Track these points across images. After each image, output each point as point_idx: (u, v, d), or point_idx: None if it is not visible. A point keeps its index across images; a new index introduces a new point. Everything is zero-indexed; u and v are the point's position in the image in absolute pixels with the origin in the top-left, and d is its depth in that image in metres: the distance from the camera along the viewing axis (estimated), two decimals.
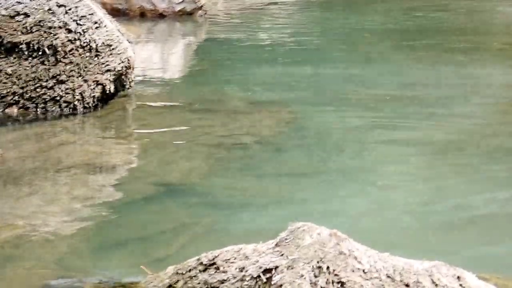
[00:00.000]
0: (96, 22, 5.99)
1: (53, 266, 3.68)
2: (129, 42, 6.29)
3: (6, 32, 5.89)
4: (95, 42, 5.95)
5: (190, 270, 2.99)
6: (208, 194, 4.64)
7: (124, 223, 4.23)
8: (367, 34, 8.71)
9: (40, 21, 5.89)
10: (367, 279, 2.74)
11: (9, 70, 5.87)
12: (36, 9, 5.92)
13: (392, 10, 10.55)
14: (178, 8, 9.97)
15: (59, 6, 5.93)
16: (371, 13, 10.42)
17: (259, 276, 2.81)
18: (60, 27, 5.90)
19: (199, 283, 2.94)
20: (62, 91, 5.89)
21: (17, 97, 5.87)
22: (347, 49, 8.45)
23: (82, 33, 5.93)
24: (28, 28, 5.88)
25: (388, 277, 2.75)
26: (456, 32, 9.42)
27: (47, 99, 5.89)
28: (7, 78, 5.87)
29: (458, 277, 2.78)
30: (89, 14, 5.97)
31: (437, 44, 8.73)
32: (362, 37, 9.09)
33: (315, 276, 2.74)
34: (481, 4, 11.00)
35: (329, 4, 11.14)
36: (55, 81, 5.89)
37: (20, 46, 5.88)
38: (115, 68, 6.02)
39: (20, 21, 5.90)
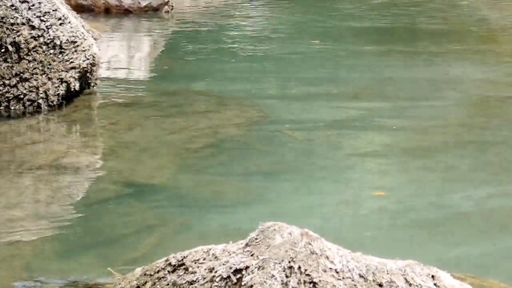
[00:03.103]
0: (60, 19, 5.90)
1: (19, 270, 3.61)
2: (94, 39, 6.20)
3: None
4: (59, 38, 5.86)
5: (158, 271, 2.94)
6: (176, 194, 4.58)
7: (91, 225, 4.17)
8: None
9: (2, 18, 5.79)
10: (340, 279, 2.70)
11: None
12: None
13: (360, 8, 10.55)
14: (144, 3, 9.88)
15: (22, 2, 5.84)
16: (341, 11, 10.42)
17: (229, 277, 2.76)
18: (23, 24, 5.81)
19: (167, 285, 2.89)
20: (25, 89, 5.79)
21: None
22: (316, 46, 8.42)
23: (46, 29, 5.84)
24: None
25: (361, 277, 2.71)
26: (428, 30, 9.43)
27: (10, 98, 5.79)
28: None
29: (433, 276, 2.75)
30: (53, 10, 5.88)
31: (408, 41, 8.75)
32: (332, 34, 9.07)
33: (286, 276, 2.70)
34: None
35: (298, 1, 11.12)
36: (18, 79, 5.79)
37: None
38: (80, 66, 5.94)
39: None
